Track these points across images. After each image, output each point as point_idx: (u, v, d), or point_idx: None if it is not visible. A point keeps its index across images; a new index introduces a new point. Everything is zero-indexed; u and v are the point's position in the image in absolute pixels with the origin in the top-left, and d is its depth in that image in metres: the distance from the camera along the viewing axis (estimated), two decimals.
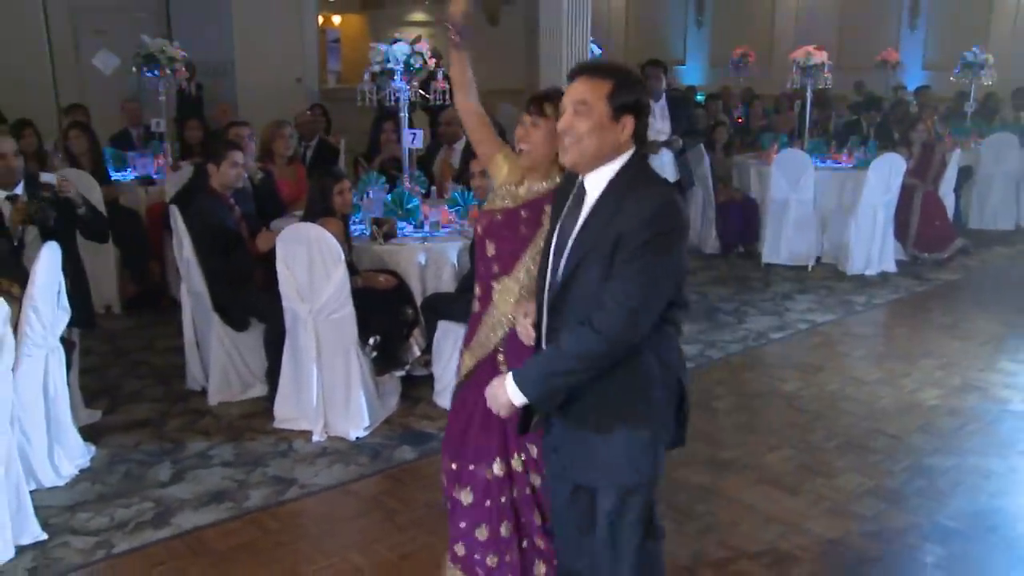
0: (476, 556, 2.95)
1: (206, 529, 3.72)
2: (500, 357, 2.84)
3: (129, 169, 7.29)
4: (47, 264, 3.95)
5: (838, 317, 6.54)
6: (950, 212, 8.26)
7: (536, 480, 2.90)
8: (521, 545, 2.96)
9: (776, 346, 5.97)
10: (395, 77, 5.23)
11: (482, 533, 2.92)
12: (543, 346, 2.45)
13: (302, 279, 4.36)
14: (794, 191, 7.56)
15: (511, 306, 2.75)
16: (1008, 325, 6.33)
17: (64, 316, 4.09)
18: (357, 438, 4.49)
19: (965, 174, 8.86)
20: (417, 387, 5.06)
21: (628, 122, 2.26)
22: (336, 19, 13.27)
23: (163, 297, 6.68)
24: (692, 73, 14.71)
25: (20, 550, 3.51)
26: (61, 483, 4.05)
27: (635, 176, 2.28)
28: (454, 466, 2.95)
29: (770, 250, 7.79)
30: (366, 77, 5.42)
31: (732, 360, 5.68)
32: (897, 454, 4.40)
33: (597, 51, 9.10)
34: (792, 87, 8.37)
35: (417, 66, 5.29)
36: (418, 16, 14.32)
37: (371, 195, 5.38)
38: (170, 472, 4.20)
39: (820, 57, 7.92)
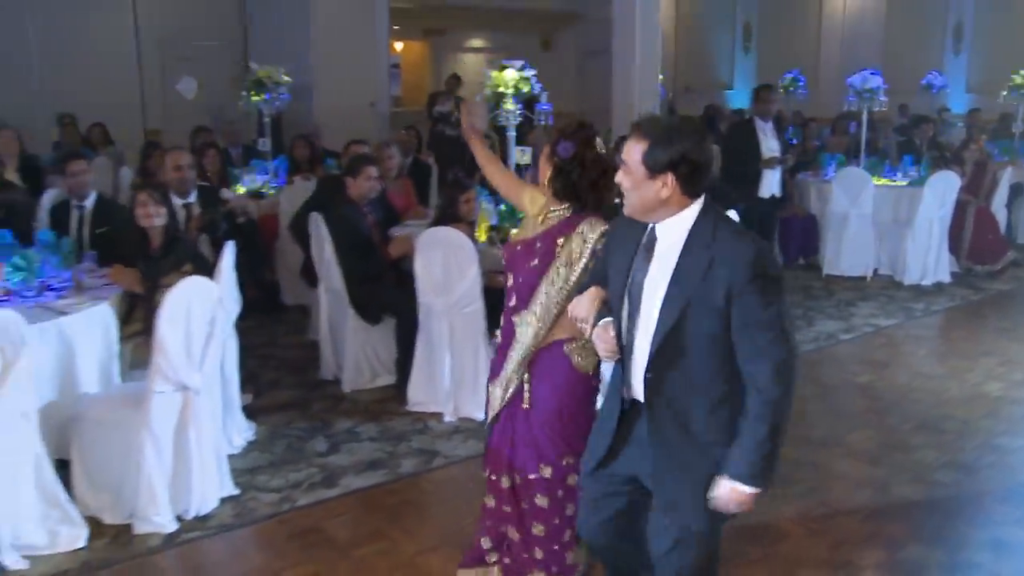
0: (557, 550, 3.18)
1: (371, 490, 4.37)
2: (526, 387, 3.04)
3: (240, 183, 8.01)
4: (229, 262, 4.67)
5: (899, 321, 7.13)
6: (1002, 227, 8.83)
7: (541, 501, 3.14)
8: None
9: (845, 346, 6.57)
10: (507, 100, 5.90)
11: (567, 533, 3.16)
12: (634, 384, 2.58)
13: (438, 277, 5.02)
14: (854, 206, 8.17)
15: (578, 309, 2.73)
16: None
17: (237, 308, 4.78)
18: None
19: (1016, 191, 9.42)
20: None
21: (667, 179, 2.38)
22: (398, 45, 14.04)
23: (275, 300, 7.35)
24: (739, 97, 15.35)
25: (221, 501, 4.17)
26: (235, 452, 4.71)
27: (717, 227, 2.41)
28: (517, 479, 3.17)
29: (831, 262, 8.39)
30: (478, 99, 6.10)
31: (808, 357, 6.28)
32: (967, 435, 4.99)
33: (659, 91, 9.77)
34: (848, 109, 8.98)
35: (524, 90, 5.97)
36: (477, 42, 15.10)
37: (484, 206, 6.04)
38: (326, 445, 4.86)
39: (876, 81, 8.53)
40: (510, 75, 5.96)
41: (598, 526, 2.83)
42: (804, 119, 12.22)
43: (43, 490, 3.79)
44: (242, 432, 4.87)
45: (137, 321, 4.73)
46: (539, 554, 3.19)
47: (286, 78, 8.05)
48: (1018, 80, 10.42)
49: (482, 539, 3.38)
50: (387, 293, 5.49)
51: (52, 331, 4.11)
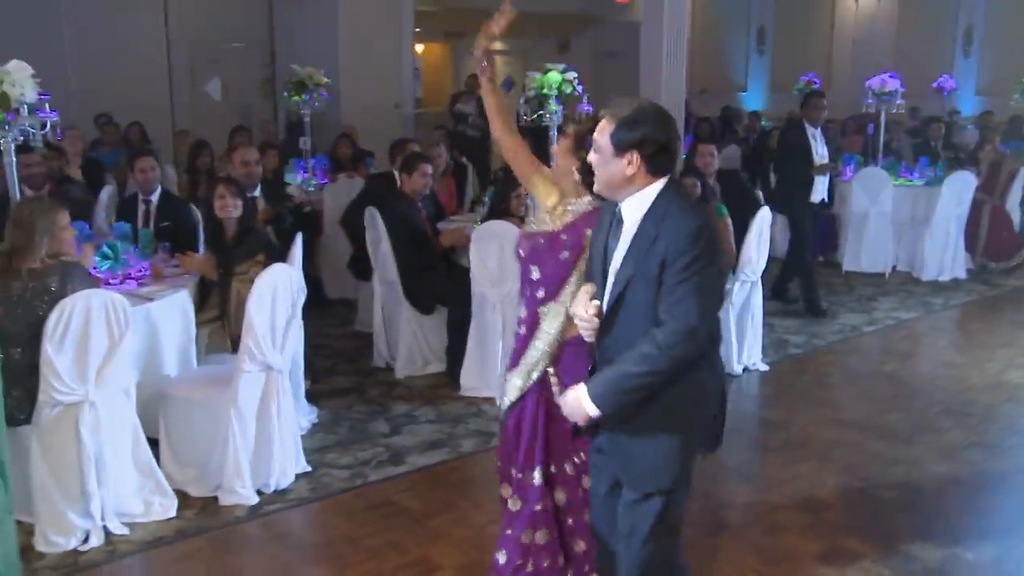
0: (517, 562, 3.12)
1: (435, 467, 4.67)
2: (553, 378, 2.98)
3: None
4: (298, 252, 4.98)
5: (920, 315, 7.43)
6: (1015, 225, 9.12)
7: (586, 482, 3.07)
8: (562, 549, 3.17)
9: (870, 337, 6.87)
10: (551, 101, 6.20)
11: (527, 537, 3.12)
12: (596, 355, 2.73)
13: (492, 269, 5.32)
14: (873, 205, 8.48)
15: (577, 304, 2.77)
16: None
17: (303, 294, 5.08)
18: None
19: None
20: None
21: (632, 157, 2.53)
22: (419, 48, 14.35)
23: (320, 294, 7.64)
24: (753, 99, 15.68)
25: (297, 477, 4.47)
26: (302, 433, 5.01)
27: (670, 204, 2.55)
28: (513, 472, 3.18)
29: (850, 259, 8.70)
30: (521, 101, 6.41)
31: (835, 347, 6.59)
32: (991, 418, 5.29)
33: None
34: (866, 111, 9.28)
35: (567, 92, 6.27)
36: (496, 45, 15.33)
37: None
38: (388, 427, 5.16)
39: (894, 84, 8.84)
40: (554, 77, 6.26)
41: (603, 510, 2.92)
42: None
43: (139, 462, 4.09)
44: (306, 415, 5.16)
45: (211, 308, 5.04)
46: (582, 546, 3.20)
47: (325, 79, 8.34)
48: None
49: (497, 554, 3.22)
50: (439, 284, 5.79)
51: (140, 316, 4.40)
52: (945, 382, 5.90)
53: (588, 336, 2.70)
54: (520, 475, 3.13)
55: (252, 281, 4.78)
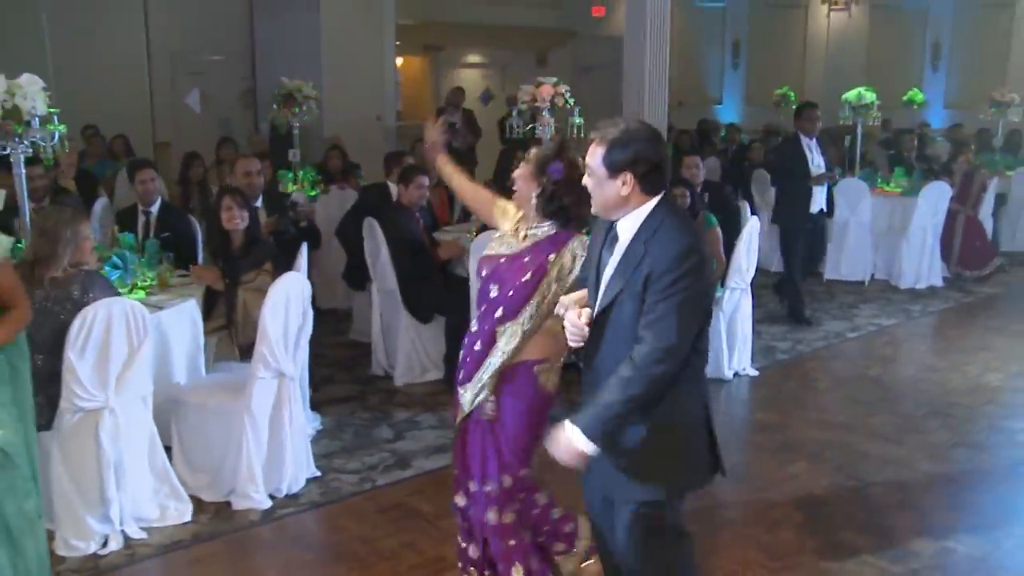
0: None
1: (441, 470, 4.77)
2: (491, 399, 3.14)
3: None
4: (303, 261, 5.09)
5: (899, 321, 7.67)
6: (988, 234, 9.43)
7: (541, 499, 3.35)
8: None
9: (853, 343, 7.10)
10: (543, 113, 6.38)
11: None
12: (583, 367, 2.82)
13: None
14: (853, 215, 8.74)
15: (569, 310, 2.82)
16: None
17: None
18: None
19: (1000, 201, 10.05)
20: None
21: (626, 178, 2.59)
22: (399, 60, 14.49)
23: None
24: (728, 111, 15.97)
25: (307, 481, 4.57)
26: (308, 439, 5.10)
27: (662, 221, 2.60)
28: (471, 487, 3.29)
29: (831, 267, 8.95)
30: (514, 113, 6.59)
31: (820, 353, 6.80)
32: (974, 419, 5.51)
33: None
34: (843, 123, 9.56)
35: (559, 104, 6.45)
36: (474, 58, 15.57)
37: None
38: (391, 432, 5.27)
39: (871, 97, 9.12)
40: (547, 90, 6.44)
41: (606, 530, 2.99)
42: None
43: (155, 468, 4.18)
44: (311, 422, 5.26)
45: (218, 317, 5.12)
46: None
47: (314, 92, 8.44)
48: (999, 97, 11.07)
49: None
50: (437, 293, 5.92)
51: (151, 325, 4.48)
52: (928, 385, 6.12)
53: (575, 342, 2.75)
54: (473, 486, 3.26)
55: (258, 290, 4.94)
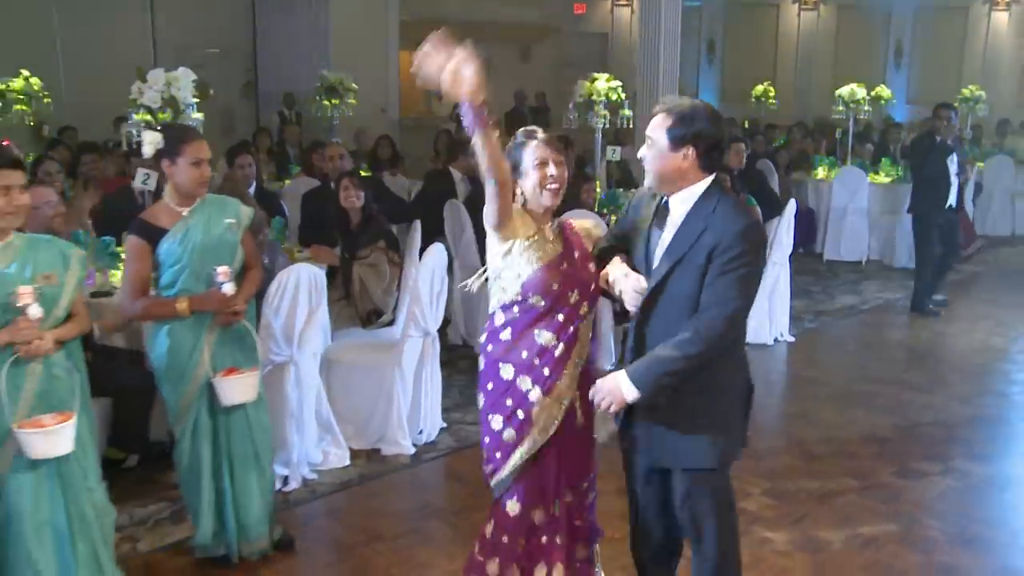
0: None
1: None
2: (578, 403, 2.94)
3: None
4: (418, 236, 5.74)
5: (902, 296, 8.62)
6: (970, 218, 10.48)
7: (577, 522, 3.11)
8: None
9: (868, 314, 8.03)
10: (599, 106, 7.13)
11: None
12: (632, 339, 2.85)
13: None
14: (852, 200, 9.70)
15: (612, 270, 2.84)
16: None
17: None
18: None
19: (977, 189, 11.14)
20: None
21: (688, 152, 2.68)
22: None
23: None
24: None
25: (439, 431, 5.23)
26: None
27: (719, 200, 2.71)
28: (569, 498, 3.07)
29: (831, 249, 9.91)
30: (571, 106, 7.32)
31: (841, 322, 7.72)
32: (991, 373, 6.46)
33: None
34: (835, 117, 10.53)
35: (613, 98, 7.21)
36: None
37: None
38: None
39: (861, 93, 10.09)
40: (601, 85, 7.20)
41: (639, 512, 3.08)
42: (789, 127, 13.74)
43: (320, 417, 4.80)
44: None
45: (336, 289, 5.73)
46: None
47: (354, 85, 9.05)
48: (966, 93, 12.20)
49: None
50: None
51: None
52: (943, 347, 7.06)
53: (633, 307, 2.77)
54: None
55: (372, 266, 5.60)
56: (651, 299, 2.74)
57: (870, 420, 5.52)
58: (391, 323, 5.56)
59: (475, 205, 6.51)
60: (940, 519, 4.30)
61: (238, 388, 3.69)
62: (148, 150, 3.62)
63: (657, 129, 2.73)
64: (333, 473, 4.76)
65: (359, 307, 5.63)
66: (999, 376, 6.41)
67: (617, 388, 2.72)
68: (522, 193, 2.91)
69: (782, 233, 6.81)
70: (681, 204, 2.76)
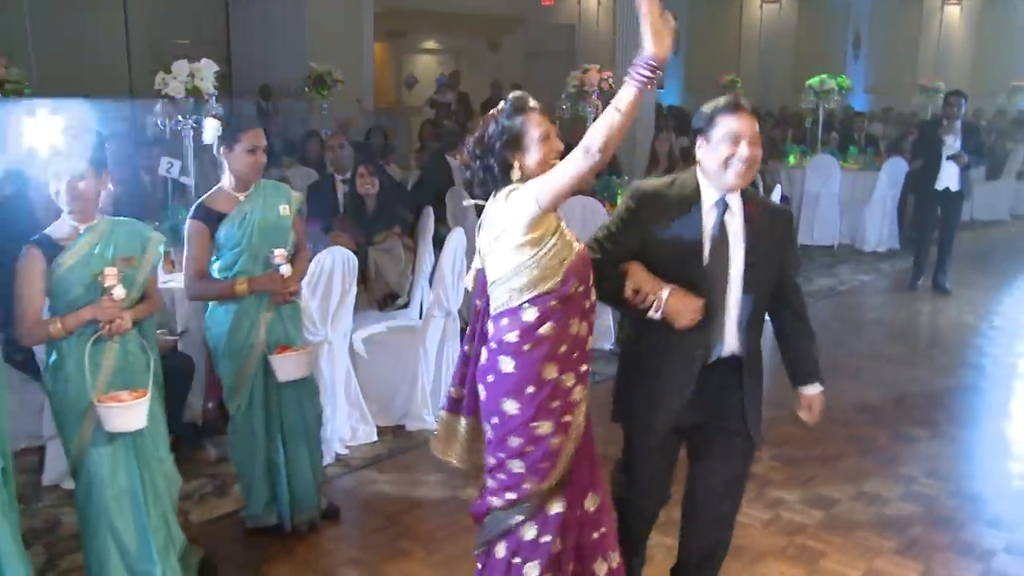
0: None
1: None
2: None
3: None
4: (430, 222, 6.00)
5: (875, 277, 9.11)
6: None
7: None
8: None
9: (845, 295, 8.48)
10: (592, 96, 7.43)
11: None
12: (727, 340, 2.91)
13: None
14: (824, 187, 10.15)
15: (647, 285, 2.79)
16: (997, 278, 9.06)
17: None
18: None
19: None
20: None
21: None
22: None
23: None
24: (669, 96, 17.32)
25: None
26: None
27: (756, 193, 2.93)
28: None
29: (804, 234, 10.36)
30: (563, 96, 7.61)
31: (822, 303, 8.14)
32: (967, 347, 6.93)
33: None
34: (807, 107, 10.97)
35: (605, 88, 7.51)
36: (430, 44, 16.45)
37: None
38: None
39: (832, 84, 10.53)
40: (592, 76, 7.50)
41: (651, 477, 3.17)
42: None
43: (349, 395, 5.05)
44: None
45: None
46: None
47: (341, 77, 9.24)
48: (926, 84, 12.74)
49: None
50: None
51: None
52: (920, 324, 7.52)
53: (691, 321, 2.81)
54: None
55: (387, 251, 5.85)
56: (742, 296, 2.87)
57: (860, 391, 5.92)
58: (406, 306, 5.82)
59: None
60: (935, 476, 4.69)
61: (294, 365, 3.92)
62: (208, 136, 3.83)
63: (756, 127, 2.80)
64: (363, 448, 5.01)
65: (375, 291, 5.87)
66: (973, 350, 6.86)
67: (822, 397, 3.19)
68: (520, 167, 2.63)
69: None
70: (735, 200, 2.85)
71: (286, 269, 3.84)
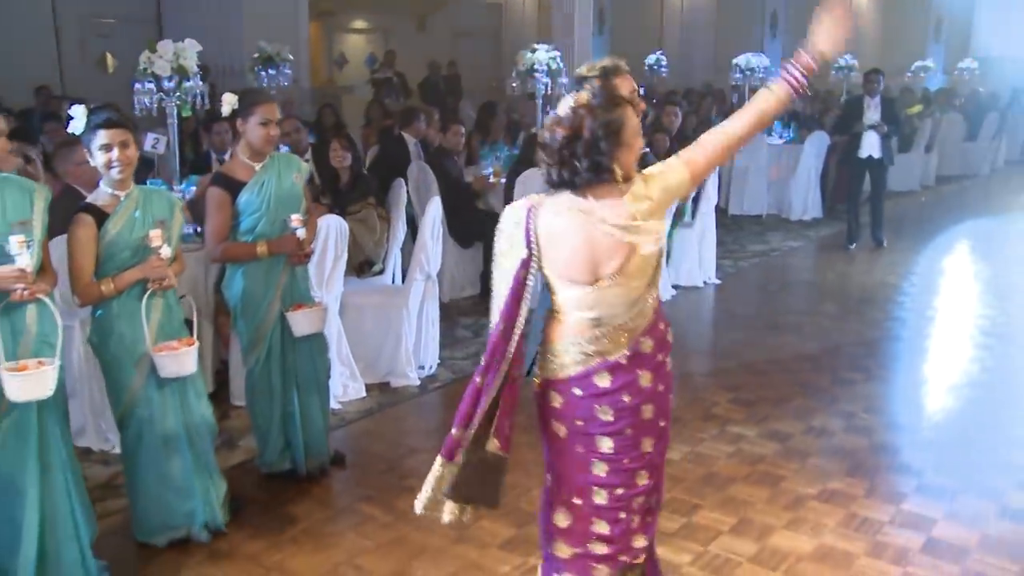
0: None
1: None
2: None
3: None
4: (402, 194, 6.41)
5: (803, 244, 9.84)
6: None
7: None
8: None
9: (778, 258, 9.19)
10: (539, 74, 7.92)
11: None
12: None
13: None
14: (752, 160, 10.85)
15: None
16: (914, 242, 9.90)
17: None
18: None
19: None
20: None
21: None
22: None
23: None
24: None
25: (437, 365, 5.96)
26: None
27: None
28: None
29: (735, 205, 11.08)
30: (514, 74, 8.08)
31: (757, 267, 8.84)
32: (892, 303, 7.67)
33: None
34: (733, 84, 11.68)
35: (553, 67, 8.01)
36: (360, 24, 16.68)
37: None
38: (469, 332, 6.70)
39: (757, 61, 11.25)
40: (541, 55, 7.99)
41: None
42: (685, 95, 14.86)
43: (340, 354, 5.45)
44: None
45: None
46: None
47: (290, 56, 9.50)
48: (842, 63, 13.58)
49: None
50: (477, 223, 7.35)
51: None
52: (848, 284, 8.26)
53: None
54: None
55: (362, 222, 6.24)
56: None
57: (800, 343, 6.57)
58: (381, 272, 6.23)
59: (443, 164, 7.25)
60: (873, 412, 5.35)
61: (309, 320, 4.33)
62: (226, 110, 4.19)
63: None
64: (354, 403, 5.43)
65: (352, 258, 6.24)
66: (896, 305, 7.61)
67: None
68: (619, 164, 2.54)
69: (709, 188, 7.80)
70: None
71: (302, 232, 4.22)
